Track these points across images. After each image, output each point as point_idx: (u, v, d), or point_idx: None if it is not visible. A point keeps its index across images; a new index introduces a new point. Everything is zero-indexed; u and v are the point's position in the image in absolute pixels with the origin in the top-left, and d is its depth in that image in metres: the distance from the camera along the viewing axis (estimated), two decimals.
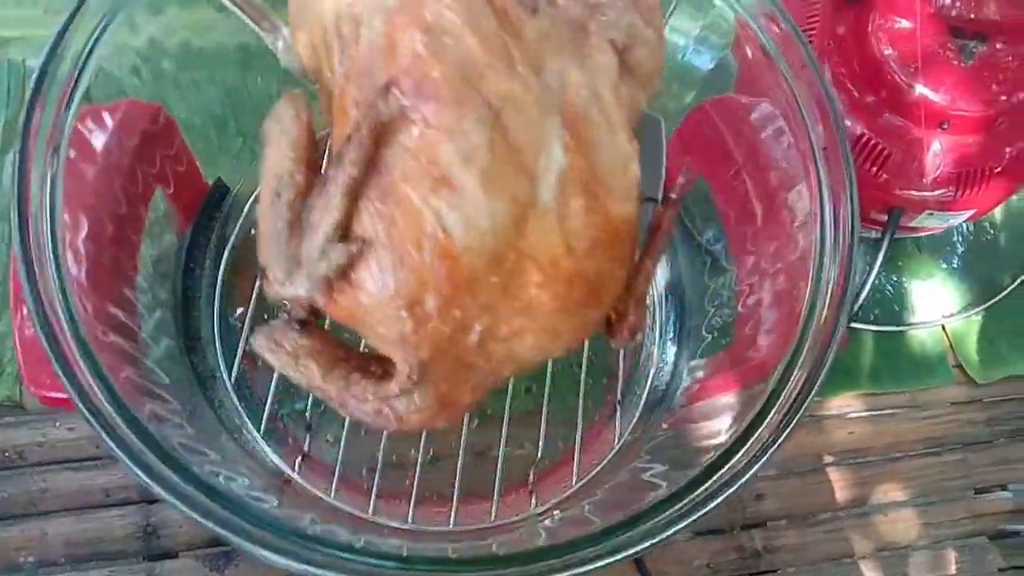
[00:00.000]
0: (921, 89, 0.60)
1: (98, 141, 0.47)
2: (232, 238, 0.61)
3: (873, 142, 0.62)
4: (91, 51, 0.46)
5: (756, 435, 0.42)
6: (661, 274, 0.64)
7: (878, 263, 0.65)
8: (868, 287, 0.66)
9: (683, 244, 0.62)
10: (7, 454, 0.62)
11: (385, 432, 0.54)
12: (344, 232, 0.33)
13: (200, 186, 0.59)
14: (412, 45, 0.33)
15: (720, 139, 0.55)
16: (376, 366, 0.38)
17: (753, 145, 0.53)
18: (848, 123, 0.62)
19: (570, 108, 0.35)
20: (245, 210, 0.61)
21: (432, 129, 0.32)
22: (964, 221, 0.68)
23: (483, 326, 0.35)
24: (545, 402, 0.57)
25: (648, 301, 0.62)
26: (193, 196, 0.58)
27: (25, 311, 0.39)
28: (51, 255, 0.40)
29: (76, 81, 0.45)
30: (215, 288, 0.59)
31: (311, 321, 0.38)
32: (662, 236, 0.43)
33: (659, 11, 0.40)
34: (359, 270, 0.34)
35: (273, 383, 0.55)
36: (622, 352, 0.59)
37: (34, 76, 0.44)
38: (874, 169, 0.63)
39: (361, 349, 0.41)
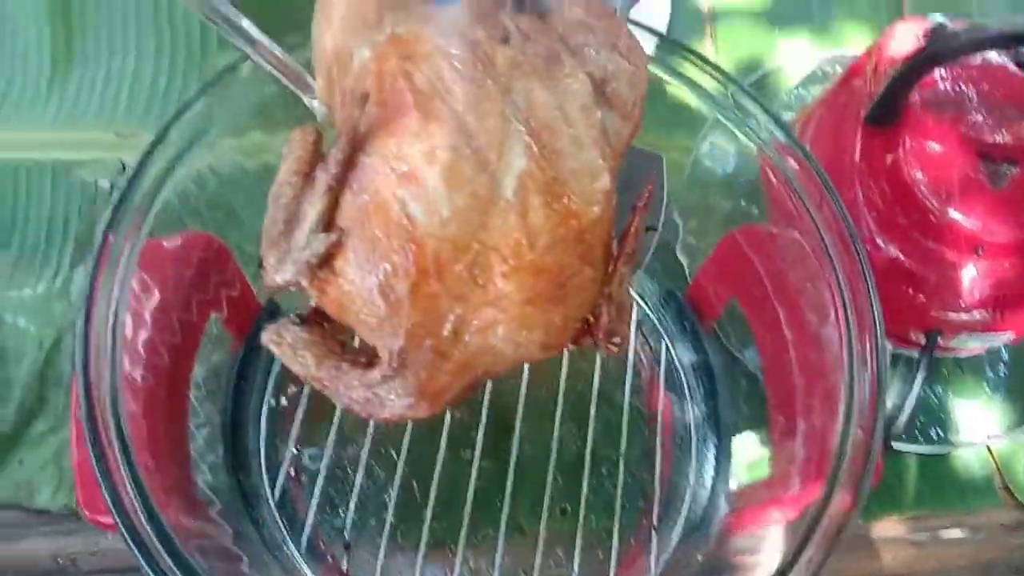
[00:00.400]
0: (954, 214, 0.60)
1: (158, 274, 0.50)
2: None
3: (907, 265, 0.63)
4: (165, 180, 0.50)
5: (793, 572, 0.42)
6: (700, 399, 0.65)
7: (917, 384, 0.64)
8: (908, 409, 0.65)
9: (723, 371, 0.63)
10: (61, 561, 0.64)
11: (393, 491, 0.57)
12: (327, 224, 0.38)
13: (253, 307, 0.62)
14: (390, 65, 0.38)
15: (750, 266, 0.56)
16: (364, 357, 0.42)
17: (781, 273, 0.55)
18: (881, 244, 0.63)
19: (536, 121, 0.38)
20: None
21: (400, 133, 0.37)
22: (1005, 344, 0.68)
23: (455, 315, 0.38)
24: (580, 524, 0.58)
25: (687, 426, 0.62)
26: (246, 317, 0.61)
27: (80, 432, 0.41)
28: (109, 386, 0.43)
29: (148, 210, 0.49)
30: (263, 406, 0.61)
31: (311, 318, 0.42)
32: (630, 238, 0.45)
33: (638, 50, 0.42)
34: (339, 258, 0.38)
35: (314, 501, 0.57)
36: (657, 473, 0.60)
37: (111, 206, 0.48)
38: (910, 291, 0.63)
39: (356, 345, 0.45)
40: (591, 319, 0.43)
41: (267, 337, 0.42)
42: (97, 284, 0.45)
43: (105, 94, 0.76)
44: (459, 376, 0.41)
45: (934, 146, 0.61)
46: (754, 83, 0.82)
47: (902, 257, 0.63)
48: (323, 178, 0.38)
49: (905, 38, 0.65)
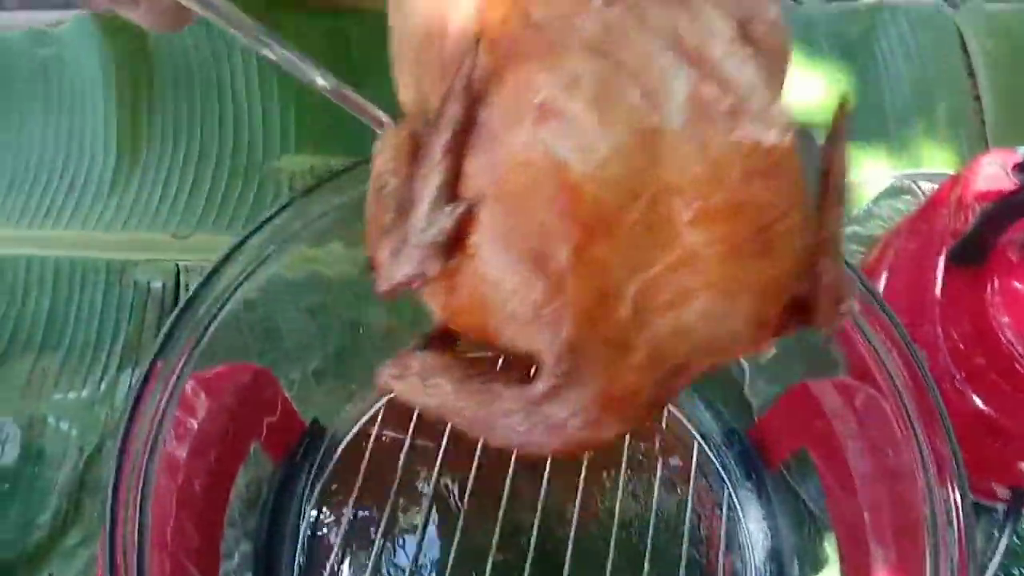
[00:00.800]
0: None
1: (200, 404, 0.49)
2: (325, 476, 0.61)
3: (990, 414, 0.58)
4: (223, 304, 0.48)
5: None
6: (760, 539, 0.60)
7: (1002, 545, 0.59)
8: (993, 569, 0.60)
9: (790, 523, 0.59)
10: None
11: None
12: (451, 197, 0.29)
13: (296, 427, 0.60)
14: (501, 11, 0.29)
15: (823, 419, 0.52)
16: (515, 371, 0.32)
17: (857, 429, 0.51)
18: (961, 390, 0.59)
19: (687, 44, 0.29)
20: (339, 450, 0.61)
21: (527, 64, 0.29)
22: None
23: (636, 288, 0.29)
24: None
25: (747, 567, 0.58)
26: (288, 438, 0.59)
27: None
28: (136, 524, 0.41)
29: (199, 340, 0.47)
30: (299, 533, 0.59)
31: (435, 339, 0.34)
32: (836, 173, 0.34)
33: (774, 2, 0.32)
34: (472, 235, 0.29)
35: None
36: None
37: (162, 332, 0.46)
38: (993, 442, 0.59)
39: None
40: (804, 290, 0.32)
41: (387, 375, 0.33)
42: (136, 418, 0.43)
43: (165, 194, 0.77)
44: (650, 372, 0.30)
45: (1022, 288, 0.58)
46: None
47: (984, 406, 0.58)
48: (438, 143, 0.29)
49: (991, 171, 0.62)
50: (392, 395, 0.44)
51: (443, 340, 0.34)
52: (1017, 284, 0.57)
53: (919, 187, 0.81)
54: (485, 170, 0.29)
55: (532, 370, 0.31)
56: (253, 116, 0.80)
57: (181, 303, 0.48)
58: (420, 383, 0.32)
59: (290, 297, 0.66)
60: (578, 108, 0.28)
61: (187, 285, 0.73)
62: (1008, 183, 0.60)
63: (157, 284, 0.73)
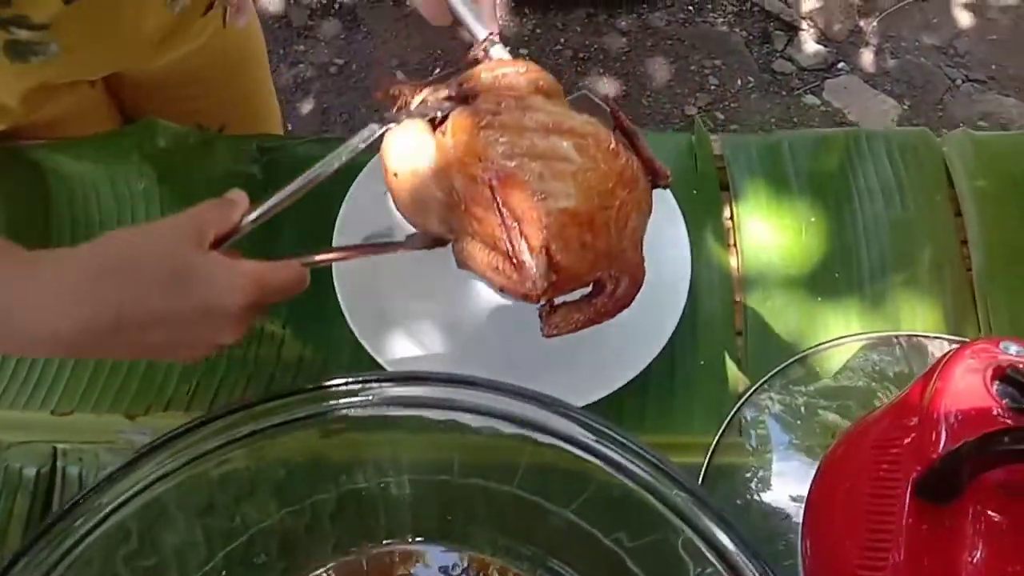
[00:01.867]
0: None
1: None
2: None
3: None
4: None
5: None
6: None
7: None
8: None
9: None
10: None
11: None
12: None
13: None
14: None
15: None
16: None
17: None
18: None
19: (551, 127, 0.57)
20: None
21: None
22: None
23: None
24: None
25: None
26: None
27: None
28: None
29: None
30: None
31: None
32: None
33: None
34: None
35: None
36: None
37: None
38: None
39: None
40: None
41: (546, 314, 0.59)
42: None
43: (47, 368, 0.69)
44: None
45: (1003, 537, 0.48)
46: (787, 368, 0.70)
47: None
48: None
49: (969, 381, 0.52)
50: None
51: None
52: (996, 531, 0.48)
53: (898, 339, 0.72)
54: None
55: None
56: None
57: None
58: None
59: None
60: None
61: (63, 471, 0.65)
62: (988, 400, 0.51)
63: (30, 471, 0.65)
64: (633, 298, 0.58)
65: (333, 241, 0.69)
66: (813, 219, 0.77)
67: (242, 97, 0.97)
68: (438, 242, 0.60)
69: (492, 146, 0.54)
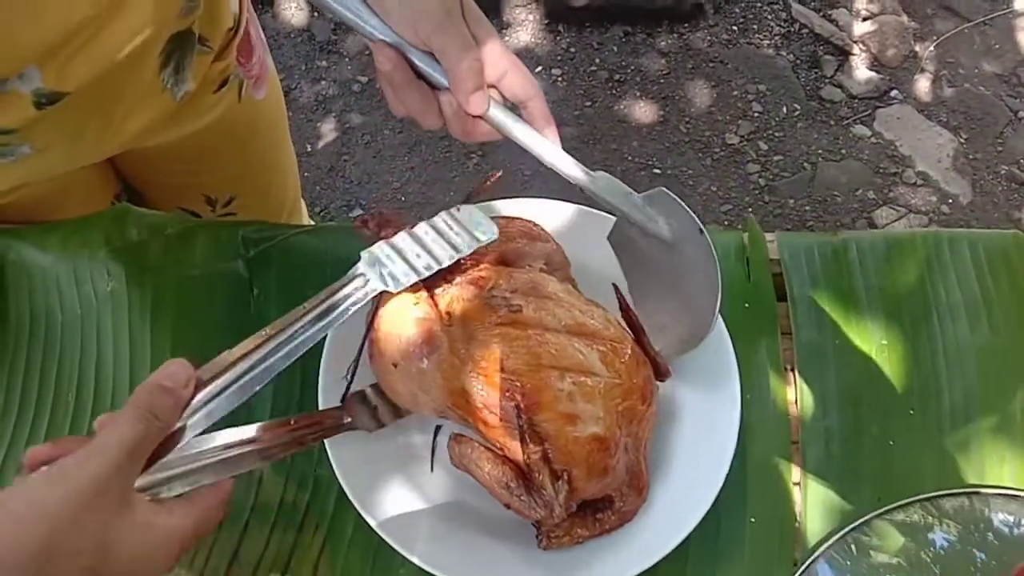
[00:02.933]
0: None
1: None
2: None
3: None
4: None
5: None
6: None
7: None
8: None
9: None
10: None
11: None
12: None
13: None
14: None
15: None
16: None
17: None
18: None
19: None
20: None
21: None
22: None
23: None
24: None
25: None
26: None
27: None
28: None
29: None
30: None
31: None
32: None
33: None
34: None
35: None
36: None
37: None
38: None
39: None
40: None
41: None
42: None
43: None
44: None
45: None
46: (855, 530, 0.59)
47: None
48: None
49: None
50: None
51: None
52: None
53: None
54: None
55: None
56: (118, 399, 0.63)
57: None
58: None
59: None
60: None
61: None
62: None
63: None
64: (637, 511, 0.56)
65: (319, 400, 0.59)
66: (885, 341, 0.66)
67: (256, 166, 0.86)
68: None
69: (516, 354, 0.50)
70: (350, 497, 0.56)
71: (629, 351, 0.54)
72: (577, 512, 0.54)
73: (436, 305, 0.52)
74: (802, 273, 0.68)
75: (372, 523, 0.56)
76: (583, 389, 0.50)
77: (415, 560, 0.55)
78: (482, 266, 0.55)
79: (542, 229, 0.60)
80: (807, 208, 1.81)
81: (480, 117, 0.53)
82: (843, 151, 1.88)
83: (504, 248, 0.57)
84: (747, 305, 0.67)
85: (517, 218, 0.60)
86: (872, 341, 0.66)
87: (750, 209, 1.79)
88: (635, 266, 0.61)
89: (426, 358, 0.51)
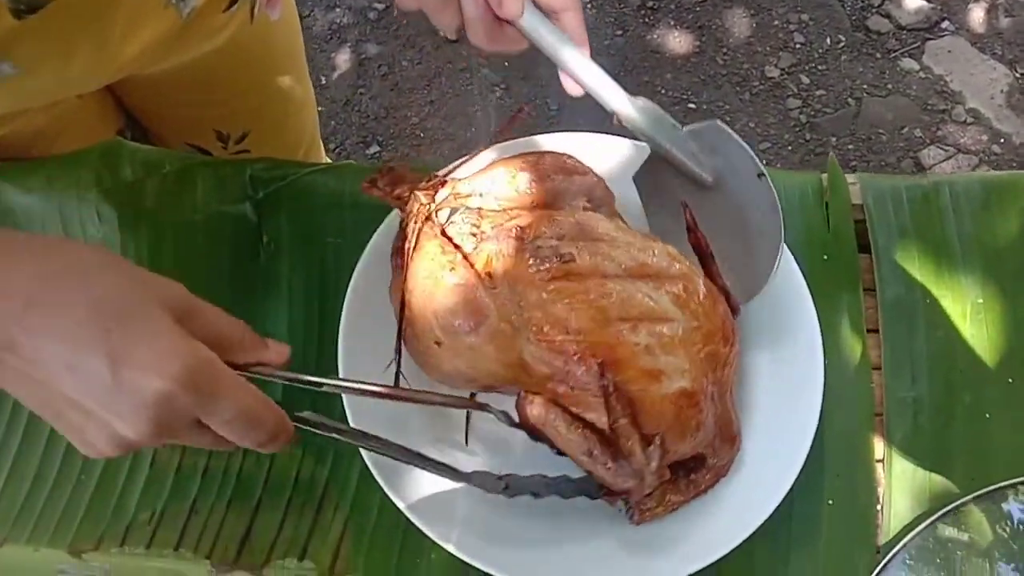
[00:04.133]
0: None
1: None
2: None
3: None
4: None
5: None
6: None
7: None
8: None
9: None
10: None
11: None
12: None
13: None
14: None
15: None
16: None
17: None
18: None
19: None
20: None
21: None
22: None
23: None
24: None
25: None
26: None
27: None
28: None
29: None
30: None
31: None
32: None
33: None
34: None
35: None
36: None
37: None
38: None
39: None
40: None
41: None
42: None
43: None
44: None
45: None
46: (948, 515, 0.52)
47: None
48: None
49: None
50: None
51: None
52: None
53: None
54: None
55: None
56: None
57: None
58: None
59: None
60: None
61: None
62: None
63: None
64: (731, 464, 0.50)
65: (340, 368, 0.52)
66: (981, 300, 0.58)
67: (272, 96, 0.78)
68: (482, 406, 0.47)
69: (578, 311, 0.44)
70: (375, 475, 0.49)
71: (703, 287, 0.47)
72: (668, 481, 0.48)
73: (472, 266, 0.44)
74: (888, 221, 0.60)
75: (401, 505, 0.49)
76: (661, 340, 0.44)
77: (451, 549, 0.48)
78: (516, 212, 0.47)
79: (578, 161, 0.52)
80: (850, 147, 1.72)
81: (509, 22, 0.45)
82: (889, 86, 1.77)
83: (539, 188, 0.49)
84: (825, 258, 0.58)
85: (548, 152, 0.52)
86: (966, 299, 0.58)
87: (790, 147, 1.69)
88: (661, 211, 0.54)
89: (474, 331, 0.43)
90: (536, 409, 0.44)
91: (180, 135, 0.76)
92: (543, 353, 0.43)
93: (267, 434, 0.41)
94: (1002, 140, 1.71)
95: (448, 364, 0.45)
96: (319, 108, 1.74)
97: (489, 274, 0.44)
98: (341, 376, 0.51)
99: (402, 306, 0.46)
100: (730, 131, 0.50)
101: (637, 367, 0.43)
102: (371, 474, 0.49)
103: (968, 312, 0.57)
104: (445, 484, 0.50)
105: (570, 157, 0.52)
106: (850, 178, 0.61)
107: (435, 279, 0.44)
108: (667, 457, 0.45)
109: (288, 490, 0.53)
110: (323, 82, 1.77)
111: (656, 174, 0.53)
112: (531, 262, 0.44)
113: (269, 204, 0.60)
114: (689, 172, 0.51)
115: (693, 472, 0.48)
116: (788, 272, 0.54)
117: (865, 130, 1.72)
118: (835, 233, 0.59)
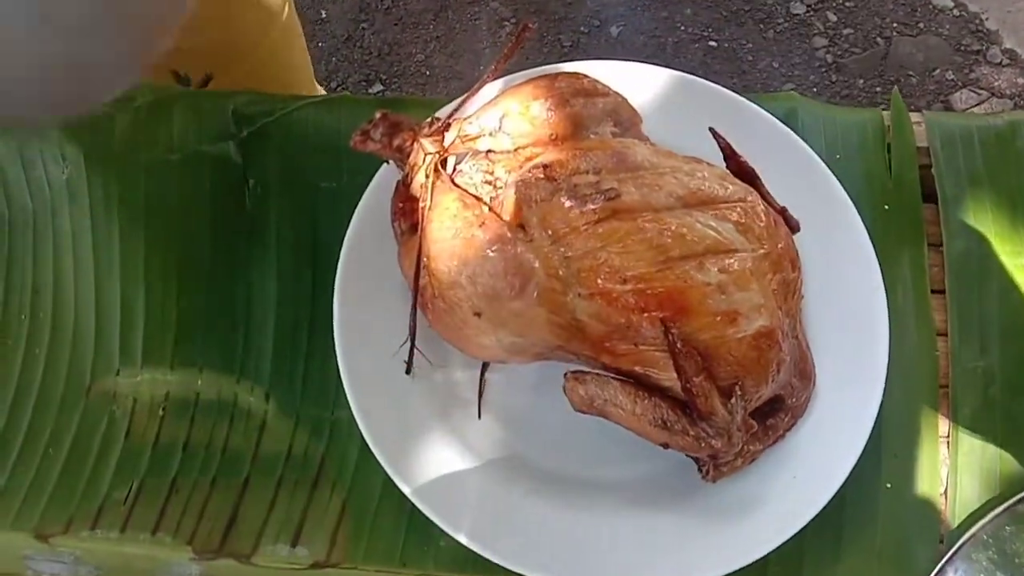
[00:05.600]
0: None
1: None
2: None
3: None
4: None
5: None
6: None
7: None
8: None
9: None
10: None
11: None
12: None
13: None
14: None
15: None
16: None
17: None
18: None
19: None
20: None
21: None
22: None
23: None
24: None
25: None
26: None
27: None
28: None
29: None
30: None
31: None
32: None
33: None
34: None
35: None
36: None
37: None
38: None
39: None
40: None
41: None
42: None
43: None
44: None
45: None
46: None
47: None
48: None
49: None
50: None
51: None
52: None
53: None
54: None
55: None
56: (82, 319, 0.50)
57: None
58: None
59: None
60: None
61: None
62: None
63: None
64: (808, 402, 0.46)
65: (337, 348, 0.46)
66: None
67: (244, 35, 0.67)
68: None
69: (634, 254, 0.38)
70: (376, 454, 0.43)
71: (762, 208, 0.41)
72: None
73: (501, 218, 0.38)
74: (956, 167, 0.53)
75: (406, 490, 0.43)
76: (733, 275, 0.38)
77: (463, 540, 0.42)
78: (533, 150, 0.41)
79: (596, 81, 0.45)
80: (878, 89, 1.63)
81: None
82: (921, 25, 1.67)
83: (558, 117, 0.42)
84: (887, 207, 0.51)
85: (560, 73, 0.45)
86: None
87: (815, 89, 1.61)
88: None
89: (519, 295, 0.37)
90: (588, 388, 0.38)
91: None
92: (599, 308, 0.37)
93: None
94: None
95: (490, 336, 0.39)
96: (319, 44, 1.66)
97: (522, 225, 0.38)
98: (339, 347, 0.45)
99: (417, 278, 0.40)
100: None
101: (709, 311, 0.37)
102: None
103: None
104: (455, 463, 0.44)
105: (586, 76, 0.45)
106: (914, 117, 0.54)
107: (464, 239, 0.38)
108: (750, 406, 0.40)
109: (280, 467, 0.48)
110: (323, 16, 1.68)
111: None
112: (570, 205, 0.38)
113: (255, 143, 0.53)
114: None
115: (770, 416, 0.43)
116: (847, 225, 0.47)
117: (894, 71, 1.63)
118: (897, 180, 0.52)
